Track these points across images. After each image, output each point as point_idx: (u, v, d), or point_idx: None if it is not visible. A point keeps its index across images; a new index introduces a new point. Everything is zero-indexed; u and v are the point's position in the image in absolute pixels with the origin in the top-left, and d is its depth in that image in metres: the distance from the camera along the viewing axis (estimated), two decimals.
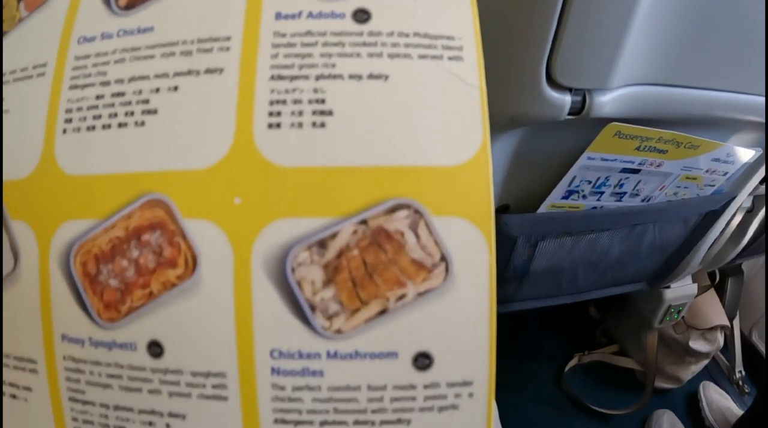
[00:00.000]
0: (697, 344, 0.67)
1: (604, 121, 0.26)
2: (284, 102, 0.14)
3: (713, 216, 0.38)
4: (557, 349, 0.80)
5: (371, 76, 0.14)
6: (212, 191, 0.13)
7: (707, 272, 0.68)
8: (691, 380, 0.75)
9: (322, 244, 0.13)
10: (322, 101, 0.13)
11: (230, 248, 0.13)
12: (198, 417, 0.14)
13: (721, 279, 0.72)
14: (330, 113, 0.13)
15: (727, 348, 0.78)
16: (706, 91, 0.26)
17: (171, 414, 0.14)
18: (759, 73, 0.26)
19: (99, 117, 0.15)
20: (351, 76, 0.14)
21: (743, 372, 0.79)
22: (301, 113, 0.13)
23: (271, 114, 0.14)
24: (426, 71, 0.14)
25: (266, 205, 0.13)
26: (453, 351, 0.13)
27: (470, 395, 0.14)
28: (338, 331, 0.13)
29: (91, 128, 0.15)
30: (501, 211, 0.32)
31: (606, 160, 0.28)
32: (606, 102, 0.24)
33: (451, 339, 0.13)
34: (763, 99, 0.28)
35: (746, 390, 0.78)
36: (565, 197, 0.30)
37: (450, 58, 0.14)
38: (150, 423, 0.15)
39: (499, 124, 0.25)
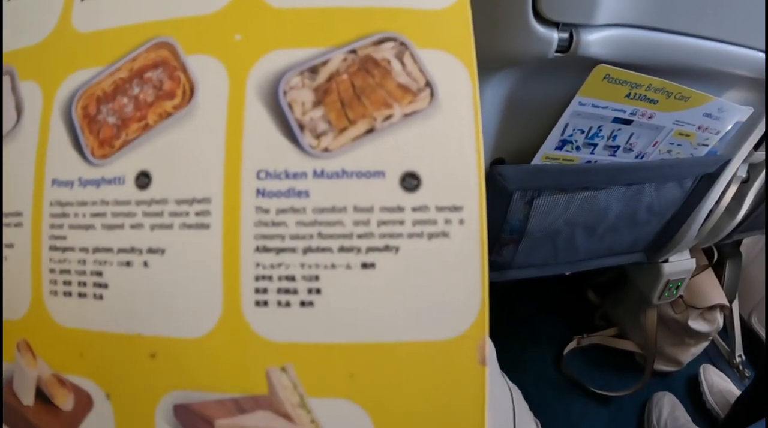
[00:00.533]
0: (696, 324, 0.66)
1: (591, 67, 0.28)
2: None
3: (709, 180, 0.38)
4: (556, 332, 0.79)
5: None
6: (215, 30, 0.14)
7: (705, 250, 0.68)
8: (690, 363, 0.74)
9: (314, 70, 0.14)
10: None
11: (227, 76, 0.14)
12: (177, 250, 0.14)
13: (720, 261, 0.71)
14: None
15: (727, 333, 0.78)
16: (694, 39, 0.27)
17: (150, 250, 0.14)
18: (747, 24, 0.27)
19: None
20: None
21: (743, 357, 0.78)
22: None
23: None
24: None
25: (264, 38, 0.14)
26: (441, 173, 0.13)
27: (461, 222, 0.13)
28: (326, 150, 0.13)
29: None
30: (496, 163, 0.33)
31: (597, 106, 0.29)
32: (593, 41, 0.26)
33: (438, 161, 0.13)
34: (755, 53, 0.29)
35: (746, 374, 0.76)
36: (559, 148, 0.31)
37: None
38: (128, 263, 0.14)
39: (489, 63, 0.27)
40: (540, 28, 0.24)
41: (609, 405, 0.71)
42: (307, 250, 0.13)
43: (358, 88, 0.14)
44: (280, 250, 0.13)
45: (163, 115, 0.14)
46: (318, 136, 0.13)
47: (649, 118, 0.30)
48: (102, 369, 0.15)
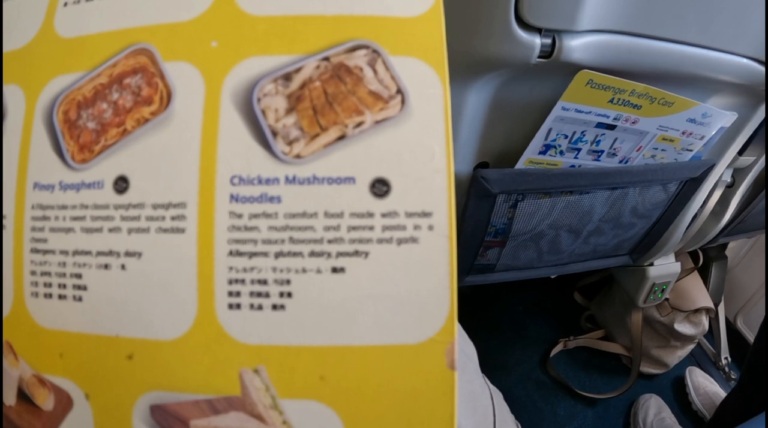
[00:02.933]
0: (682, 326, 0.66)
1: (574, 72, 0.28)
2: None
3: (693, 184, 0.38)
4: (543, 334, 0.80)
5: None
6: (192, 37, 0.15)
7: (690, 254, 0.68)
8: (676, 366, 0.75)
9: (287, 77, 0.14)
10: None
11: (203, 83, 0.14)
12: (154, 253, 0.14)
13: (706, 265, 0.72)
14: None
15: (713, 336, 0.79)
16: (677, 45, 0.28)
17: (127, 253, 0.14)
18: (729, 30, 0.27)
19: None
20: None
21: (729, 359, 0.79)
22: None
23: None
24: None
25: (239, 45, 0.14)
26: (410, 179, 0.13)
27: (430, 227, 0.13)
28: (297, 156, 0.14)
29: None
30: (479, 167, 0.33)
31: (580, 111, 0.29)
32: (576, 47, 0.26)
33: (408, 167, 0.13)
34: (739, 59, 0.29)
35: (732, 376, 0.77)
36: (543, 152, 0.31)
37: None
38: (106, 266, 0.14)
39: (472, 68, 0.27)
40: (522, 34, 0.25)
41: (595, 407, 0.71)
42: (278, 255, 0.13)
43: (330, 95, 0.14)
44: (252, 255, 0.13)
45: (141, 121, 0.15)
46: (290, 143, 0.14)
47: (633, 123, 0.30)
48: (81, 369, 0.15)
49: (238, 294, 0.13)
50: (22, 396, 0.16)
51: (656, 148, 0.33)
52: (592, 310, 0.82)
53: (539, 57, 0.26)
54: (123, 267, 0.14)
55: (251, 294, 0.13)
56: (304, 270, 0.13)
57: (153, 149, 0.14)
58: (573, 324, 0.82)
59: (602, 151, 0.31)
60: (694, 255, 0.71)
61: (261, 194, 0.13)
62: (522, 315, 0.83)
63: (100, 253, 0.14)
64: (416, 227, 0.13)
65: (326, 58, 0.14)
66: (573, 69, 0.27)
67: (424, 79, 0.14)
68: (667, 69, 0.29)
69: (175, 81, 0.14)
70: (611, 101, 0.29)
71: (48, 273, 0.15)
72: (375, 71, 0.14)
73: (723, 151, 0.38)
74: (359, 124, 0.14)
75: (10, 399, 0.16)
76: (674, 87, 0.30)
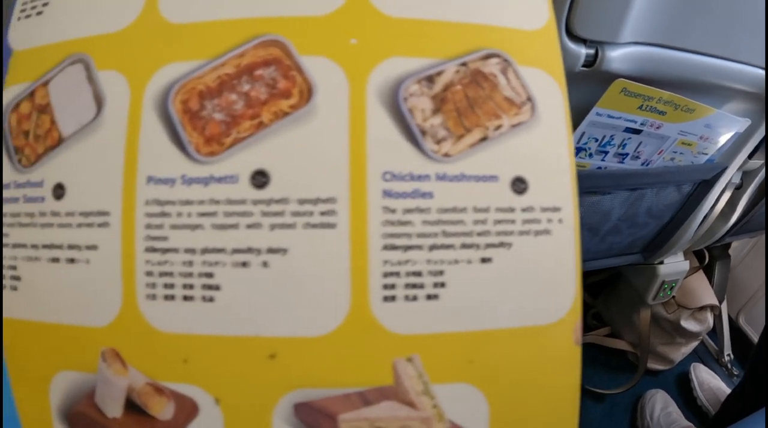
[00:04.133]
0: (688, 323, 0.70)
1: (611, 80, 0.31)
2: None
3: (706, 186, 0.42)
4: None
5: None
6: (329, 33, 0.15)
7: (696, 253, 0.72)
8: (681, 362, 0.77)
9: (430, 79, 0.15)
10: None
11: (346, 80, 0.14)
12: (301, 250, 0.14)
13: (710, 263, 0.76)
14: None
15: (716, 333, 0.82)
16: (701, 56, 0.31)
17: (270, 250, 0.14)
18: (748, 43, 0.31)
19: None
20: None
21: (731, 356, 0.81)
22: None
23: None
24: None
25: (380, 45, 0.15)
26: (543, 178, 0.15)
27: (560, 221, 0.15)
28: (446, 155, 0.14)
29: None
30: None
31: (612, 117, 0.33)
32: (615, 57, 0.29)
33: (540, 167, 0.15)
34: (753, 69, 0.33)
35: (735, 373, 0.80)
36: (574, 154, 0.34)
37: None
38: (244, 263, 0.14)
39: None
40: (571, 44, 0.27)
41: (603, 402, 0.73)
42: (432, 247, 0.14)
43: (471, 99, 0.15)
44: (407, 248, 0.14)
45: (279, 114, 0.14)
46: (439, 142, 0.14)
47: (657, 128, 0.34)
48: (211, 373, 0.14)
49: (393, 286, 0.14)
50: (131, 406, 0.14)
51: (675, 152, 0.37)
52: (598, 308, 0.83)
53: (583, 66, 0.29)
54: (265, 264, 0.14)
55: (406, 285, 0.14)
56: (456, 262, 0.14)
57: (296, 143, 0.14)
58: None
59: (627, 154, 0.35)
60: (699, 254, 0.73)
61: (413, 190, 0.14)
62: None
63: (236, 251, 0.14)
64: (549, 220, 0.15)
65: (464, 64, 0.15)
66: (606, 77, 0.30)
67: (548, 89, 0.16)
68: (691, 78, 0.32)
69: (314, 76, 0.14)
70: (640, 107, 0.32)
71: (169, 274, 0.14)
72: (507, 79, 0.15)
73: (734, 154, 0.41)
74: (498, 127, 0.15)
75: (114, 410, 0.14)
76: (693, 94, 0.33)
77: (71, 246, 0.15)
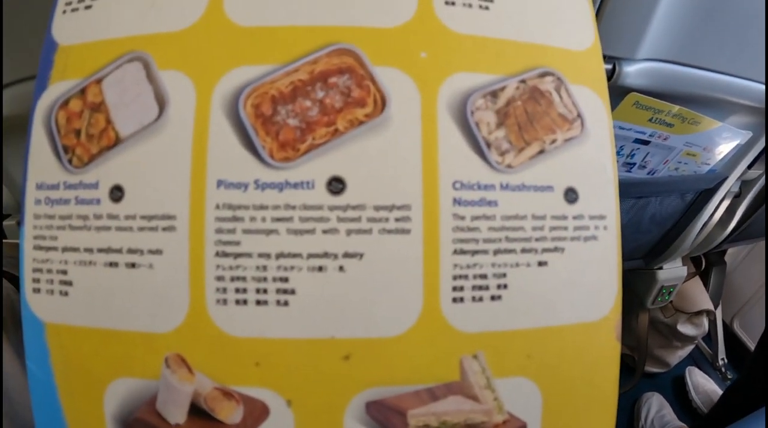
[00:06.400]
0: (684, 327, 0.72)
1: (624, 93, 0.33)
2: None
3: (707, 194, 0.45)
4: None
5: None
6: (400, 45, 0.15)
7: (693, 259, 0.75)
8: (676, 366, 0.80)
9: (494, 94, 0.16)
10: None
11: (417, 92, 0.15)
12: (376, 254, 0.14)
13: (706, 268, 0.76)
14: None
15: (711, 338, 0.84)
16: (710, 73, 0.33)
17: (346, 255, 0.14)
18: (753, 60, 0.34)
19: None
20: None
21: (726, 360, 0.84)
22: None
23: None
24: None
25: (448, 59, 0.15)
26: (591, 189, 0.16)
27: (605, 228, 0.16)
28: (509, 166, 0.15)
29: None
30: None
31: (623, 128, 0.35)
32: (630, 72, 0.31)
33: (589, 179, 0.16)
34: (756, 85, 0.35)
35: (728, 376, 0.83)
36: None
37: None
38: (320, 268, 0.14)
39: None
40: None
41: None
42: (497, 252, 0.15)
43: (530, 114, 0.16)
44: (475, 252, 0.15)
45: (354, 122, 0.14)
46: (502, 154, 0.15)
47: (665, 139, 0.36)
48: (283, 376, 0.14)
49: (461, 288, 0.15)
50: (195, 412, 0.14)
51: (680, 162, 0.39)
52: None
53: None
54: (341, 268, 0.14)
55: (473, 287, 0.15)
56: (517, 265, 0.15)
57: (371, 151, 0.14)
58: None
59: (635, 164, 0.37)
60: (696, 260, 0.75)
61: (480, 199, 0.15)
62: None
63: (312, 256, 0.14)
64: (596, 227, 0.16)
65: (523, 81, 0.16)
66: (620, 91, 0.32)
67: (594, 106, 0.17)
68: (700, 93, 0.34)
69: (388, 86, 0.15)
70: (650, 120, 0.35)
71: (241, 279, 0.14)
72: (560, 96, 0.16)
73: (735, 164, 0.43)
74: (553, 141, 0.16)
75: (178, 417, 0.14)
76: (699, 107, 0.36)
77: (131, 251, 0.14)
